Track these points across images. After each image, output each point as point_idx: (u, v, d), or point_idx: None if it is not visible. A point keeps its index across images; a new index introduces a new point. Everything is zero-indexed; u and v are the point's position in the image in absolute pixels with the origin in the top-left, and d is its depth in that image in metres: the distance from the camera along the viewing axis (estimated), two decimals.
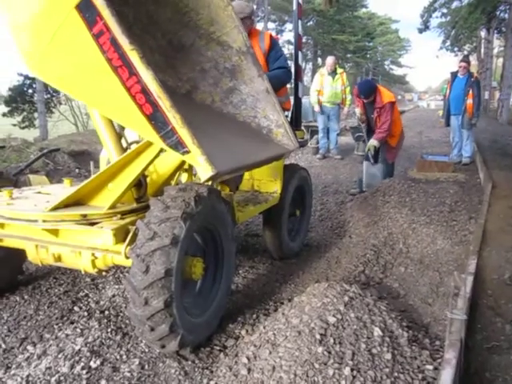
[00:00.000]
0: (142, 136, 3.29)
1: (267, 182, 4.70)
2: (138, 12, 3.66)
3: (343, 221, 6.33)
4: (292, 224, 5.17)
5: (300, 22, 5.12)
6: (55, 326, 3.56)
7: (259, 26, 37.07)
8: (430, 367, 2.79)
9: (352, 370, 2.65)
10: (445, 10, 29.75)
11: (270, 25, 41.04)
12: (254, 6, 36.05)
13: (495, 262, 4.47)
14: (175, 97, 2.79)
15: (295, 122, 5.18)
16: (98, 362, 3.09)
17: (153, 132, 2.79)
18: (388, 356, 2.81)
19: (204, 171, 2.78)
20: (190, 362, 3.11)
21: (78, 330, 3.47)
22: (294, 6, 5.03)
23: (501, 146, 12.96)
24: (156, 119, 2.75)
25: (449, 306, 2.85)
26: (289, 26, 40.20)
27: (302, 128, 12.02)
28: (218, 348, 3.28)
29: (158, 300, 2.78)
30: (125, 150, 3.44)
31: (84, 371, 2.99)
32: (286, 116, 4.92)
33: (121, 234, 3.11)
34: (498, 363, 3.05)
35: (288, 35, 41.62)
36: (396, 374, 2.70)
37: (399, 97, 74.07)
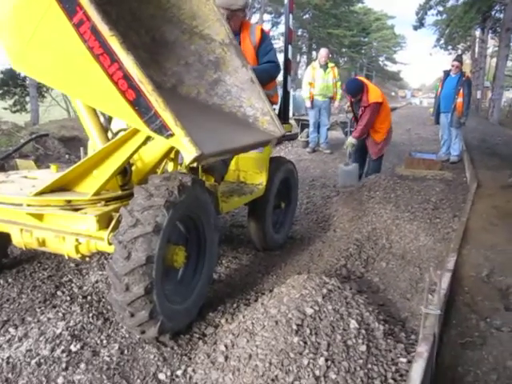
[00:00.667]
0: (126, 123, 3.31)
1: (253, 174, 4.73)
2: (122, 9, 3.70)
3: (328, 215, 6.38)
4: (277, 216, 5.21)
5: (291, 15, 5.15)
6: (37, 310, 3.59)
7: (255, 18, 37.02)
8: (404, 360, 2.86)
9: (326, 360, 2.71)
10: (440, 8, 29.81)
11: (266, 16, 40.88)
12: None
13: (474, 260, 4.55)
14: (161, 91, 2.83)
15: (283, 116, 5.21)
16: (79, 346, 3.12)
17: (137, 118, 2.82)
18: (363, 348, 2.87)
19: (188, 153, 2.81)
20: (169, 349, 3.16)
21: (60, 314, 3.51)
22: (286, 0, 5.06)
23: (489, 146, 13.07)
24: (139, 104, 2.78)
25: (424, 301, 2.91)
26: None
27: (293, 121, 12.07)
28: (197, 336, 3.33)
29: (138, 286, 2.82)
30: (109, 139, 3.48)
31: (64, 354, 3.03)
32: (274, 109, 4.96)
33: (104, 221, 3.14)
34: (471, 358, 3.12)
35: (284, 27, 41.52)
36: (370, 366, 2.76)
37: (392, 93, 74.20)
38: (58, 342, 3.16)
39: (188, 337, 3.31)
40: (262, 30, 4.79)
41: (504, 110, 29.06)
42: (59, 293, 3.86)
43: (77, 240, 3.22)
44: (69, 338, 3.20)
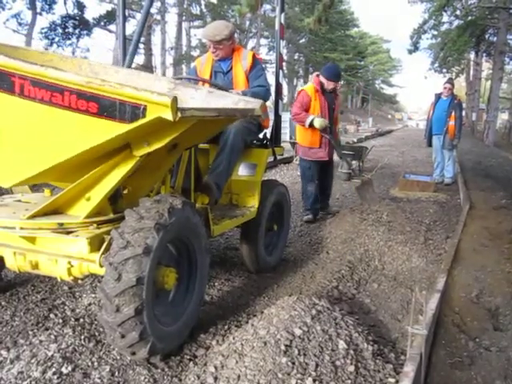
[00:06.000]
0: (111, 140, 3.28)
1: (245, 197, 4.77)
2: None
3: (322, 237, 6.41)
4: (269, 239, 5.23)
5: (282, 42, 5.25)
6: (30, 332, 3.60)
7: (252, 42, 37.37)
8: (392, 380, 2.88)
9: (314, 380, 2.73)
10: (435, 32, 30.17)
11: (263, 41, 41.41)
12: (247, 23, 36.40)
13: (464, 281, 4.59)
14: None
15: (275, 139, 5.27)
16: (70, 368, 3.14)
17: (113, 124, 2.79)
18: (351, 368, 2.89)
19: (163, 104, 2.68)
20: (159, 370, 3.17)
21: (52, 337, 3.52)
22: (277, 26, 5.15)
23: (484, 168, 13.17)
24: (104, 108, 2.75)
25: (410, 321, 2.94)
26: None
27: (288, 144, 12.09)
28: (188, 357, 3.34)
29: (128, 307, 2.85)
30: None
31: (55, 376, 3.04)
32: (265, 133, 5.04)
33: (96, 243, 3.18)
34: (460, 378, 3.15)
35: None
36: None
37: (389, 116, 74.65)
38: (49, 364, 3.17)
39: (179, 358, 3.32)
40: (254, 56, 4.88)
41: (499, 132, 29.28)
42: (52, 315, 3.88)
43: (69, 263, 3.23)
44: (60, 360, 3.21)
